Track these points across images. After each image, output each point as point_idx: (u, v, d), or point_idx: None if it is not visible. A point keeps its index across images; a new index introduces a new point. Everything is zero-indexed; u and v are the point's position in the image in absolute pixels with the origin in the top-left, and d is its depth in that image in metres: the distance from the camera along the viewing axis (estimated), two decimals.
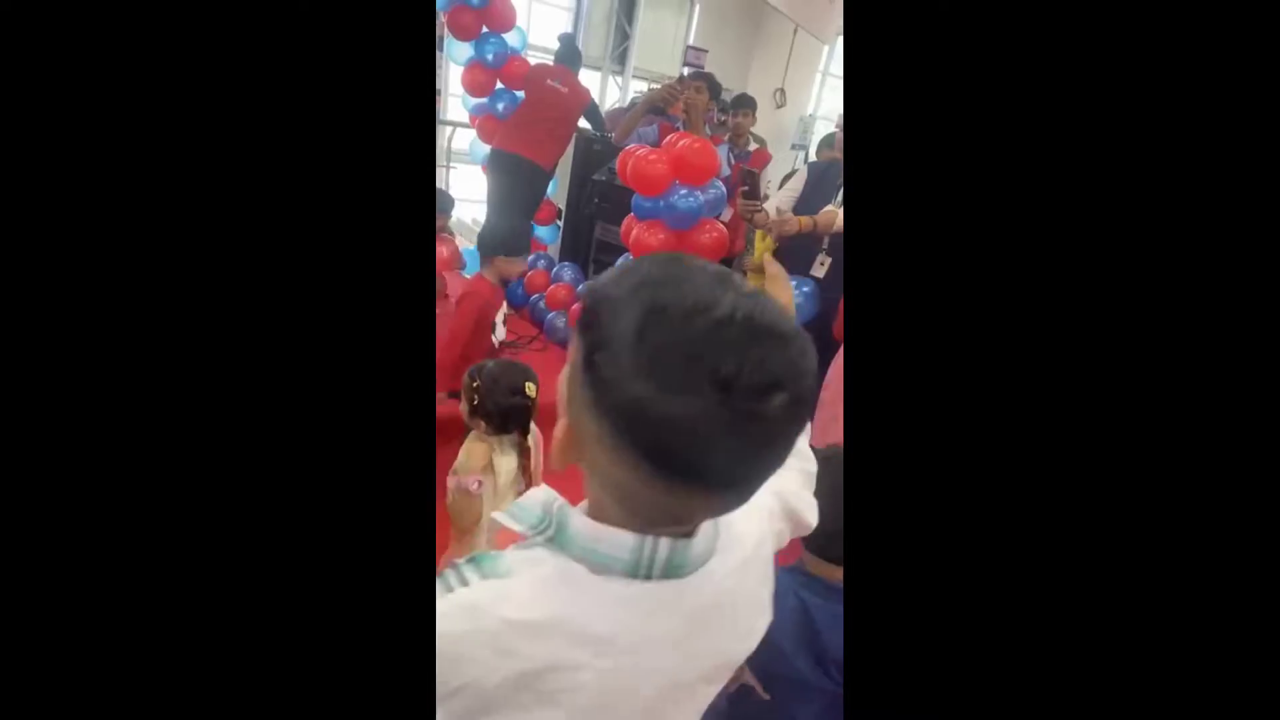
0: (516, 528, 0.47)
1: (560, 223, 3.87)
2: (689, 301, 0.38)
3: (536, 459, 1.49)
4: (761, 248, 2.78)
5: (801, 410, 0.40)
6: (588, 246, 3.69)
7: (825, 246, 2.23)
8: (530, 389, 1.38)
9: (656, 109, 2.75)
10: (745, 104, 3.27)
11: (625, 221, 2.66)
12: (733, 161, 3.14)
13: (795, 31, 5.32)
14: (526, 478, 1.41)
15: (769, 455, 0.41)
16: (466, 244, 4.16)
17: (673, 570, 0.45)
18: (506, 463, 1.40)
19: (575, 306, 3.06)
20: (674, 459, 0.39)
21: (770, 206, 2.31)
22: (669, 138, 2.50)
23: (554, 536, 0.46)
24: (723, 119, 3.58)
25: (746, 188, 2.14)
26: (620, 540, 0.44)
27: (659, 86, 2.87)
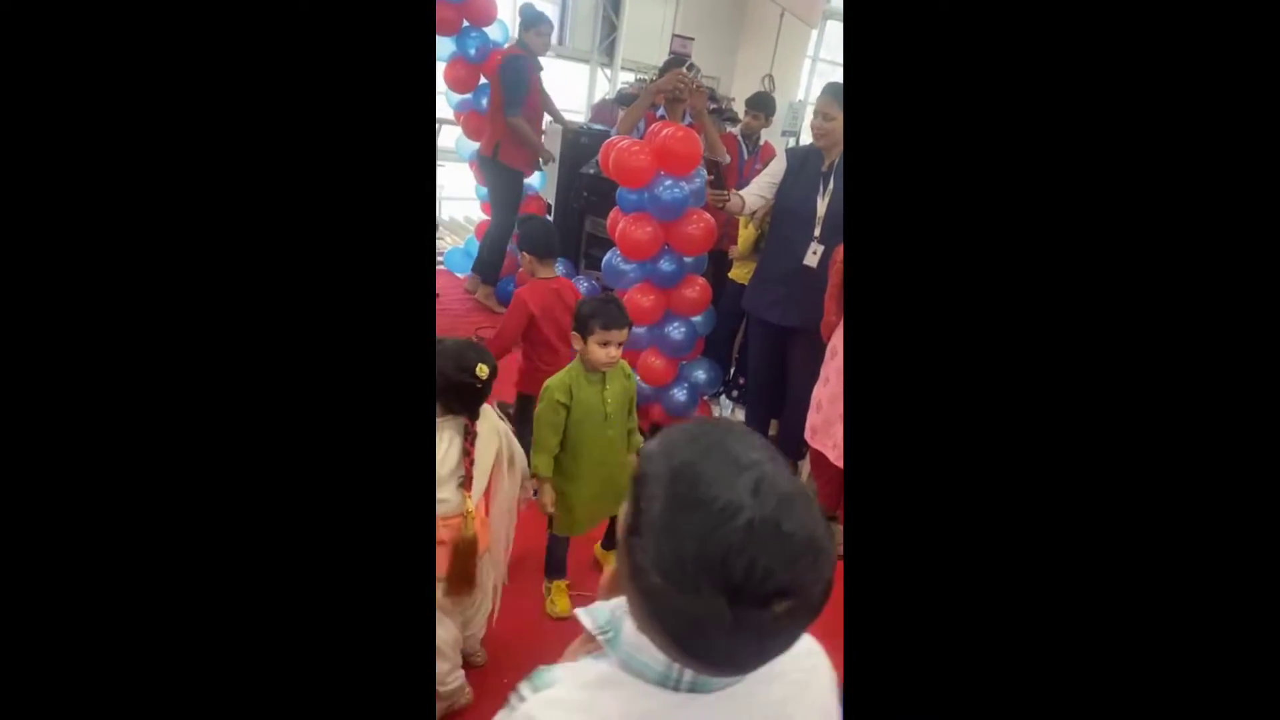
0: (589, 625, 0.53)
1: (549, 218, 3.84)
2: (718, 504, 0.42)
3: (502, 446, 1.42)
4: (744, 236, 2.76)
5: (807, 614, 0.43)
6: (578, 241, 3.67)
7: (818, 235, 2.20)
8: (482, 370, 1.32)
9: (671, 97, 2.66)
10: (759, 106, 3.16)
11: (611, 214, 2.63)
12: (745, 158, 3.10)
13: (782, 16, 5.27)
14: (468, 464, 1.35)
15: (771, 647, 0.45)
16: (457, 242, 4.14)
17: (701, 686, 0.49)
18: (447, 448, 1.33)
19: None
20: (684, 645, 0.45)
21: (748, 192, 2.28)
22: (652, 127, 2.47)
23: (612, 639, 0.52)
24: (713, 106, 3.54)
25: (713, 177, 2.13)
26: (655, 655, 0.49)
27: (658, 79, 2.80)
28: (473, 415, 1.36)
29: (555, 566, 1.81)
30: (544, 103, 3.52)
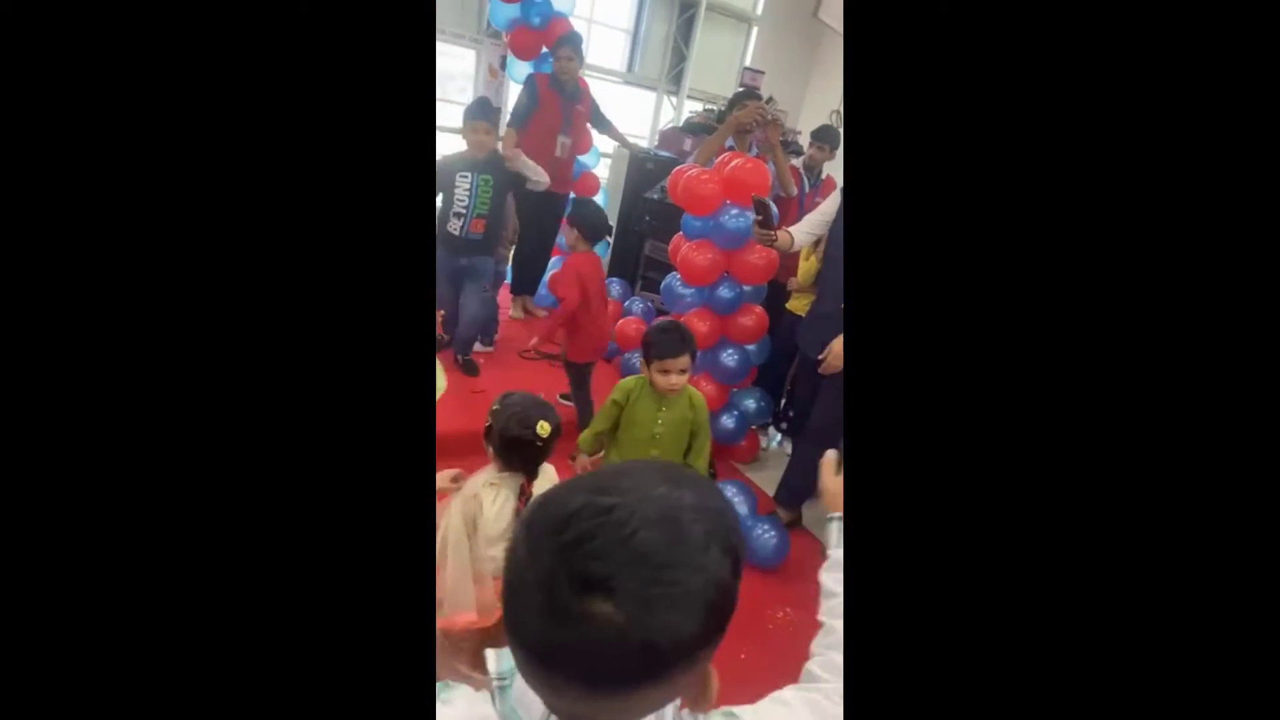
0: (491, 669, 0.51)
1: (610, 239, 3.91)
2: (601, 487, 0.42)
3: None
4: (805, 268, 2.76)
5: (625, 648, 0.38)
6: (636, 263, 3.72)
7: None
8: (543, 428, 1.26)
9: (745, 129, 2.69)
10: (824, 138, 3.17)
11: (674, 240, 2.66)
12: (806, 190, 3.10)
13: None
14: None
15: (586, 664, 0.40)
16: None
17: None
18: (501, 505, 1.28)
19: (620, 322, 3.08)
20: (511, 618, 0.42)
21: (798, 230, 2.27)
22: (721, 157, 2.50)
23: (504, 688, 0.50)
24: (780, 139, 3.56)
25: (761, 216, 2.14)
26: (531, 704, 0.47)
27: (728, 110, 2.83)
28: (530, 475, 1.31)
29: None
30: (606, 128, 3.58)
